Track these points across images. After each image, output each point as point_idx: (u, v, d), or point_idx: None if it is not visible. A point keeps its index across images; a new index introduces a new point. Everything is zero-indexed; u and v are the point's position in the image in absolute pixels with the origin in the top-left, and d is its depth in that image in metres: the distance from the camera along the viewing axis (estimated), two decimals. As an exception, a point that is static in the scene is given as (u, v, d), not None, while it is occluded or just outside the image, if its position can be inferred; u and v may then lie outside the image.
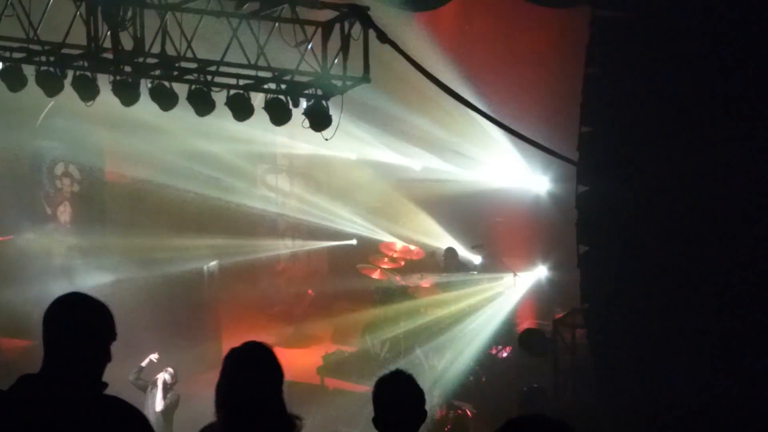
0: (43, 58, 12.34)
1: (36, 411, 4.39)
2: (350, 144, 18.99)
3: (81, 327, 4.53)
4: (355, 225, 19.40)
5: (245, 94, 11.69)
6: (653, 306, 11.55)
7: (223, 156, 19.18)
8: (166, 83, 11.96)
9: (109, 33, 11.92)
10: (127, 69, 12.10)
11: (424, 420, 5.95)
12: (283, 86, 11.56)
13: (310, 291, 19.12)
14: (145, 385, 14.60)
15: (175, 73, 12.00)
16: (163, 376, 14.50)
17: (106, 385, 4.55)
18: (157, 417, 14.19)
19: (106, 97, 12.26)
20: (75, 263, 18.21)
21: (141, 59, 12.05)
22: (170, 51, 11.82)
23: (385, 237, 18.74)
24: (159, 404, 14.35)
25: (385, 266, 17.66)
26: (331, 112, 11.44)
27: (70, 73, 12.31)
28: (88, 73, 12.23)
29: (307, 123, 11.50)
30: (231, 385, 5.09)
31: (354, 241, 19.38)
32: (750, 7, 10.93)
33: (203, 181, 19.99)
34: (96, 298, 4.64)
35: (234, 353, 5.13)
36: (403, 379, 5.96)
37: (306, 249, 20.02)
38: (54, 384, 4.44)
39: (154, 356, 14.70)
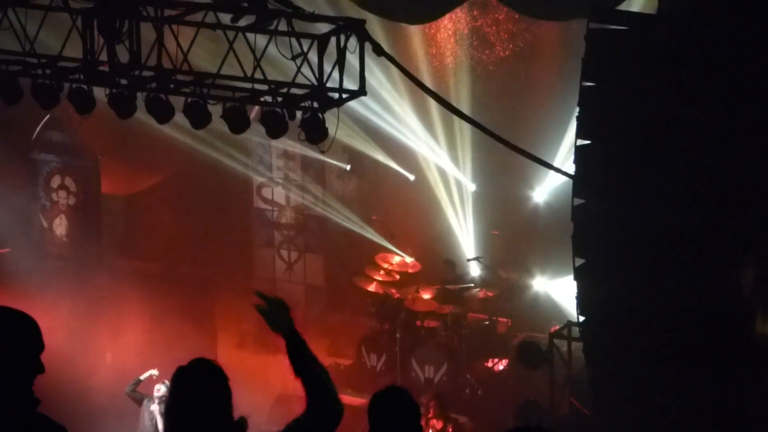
0: (39, 71, 12.34)
1: None
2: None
3: (6, 343, 4.48)
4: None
5: (241, 106, 11.70)
6: (649, 318, 11.54)
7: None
8: (162, 96, 11.97)
9: (105, 46, 11.93)
10: (123, 82, 12.10)
11: None
12: (279, 99, 11.57)
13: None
14: (141, 398, 14.58)
15: (172, 85, 12.01)
16: (162, 390, 14.43)
17: (38, 402, 4.50)
18: None
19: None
20: (70, 276, 18.19)
21: (137, 72, 12.06)
22: (166, 64, 11.83)
23: (382, 247, 18.73)
24: (161, 421, 14.29)
25: (381, 279, 17.64)
26: (328, 124, 11.47)
27: (66, 86, 12.31)
28: (84, 86, 12.24)
29: (303, 135, 11.52)
30: (178, 403, 5.10)
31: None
32: (745, 20, 10.94)
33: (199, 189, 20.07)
34: (17, 309, 4.57)
35: (180, 371, 5.13)
36: (399, 394, 5.96)
37: (302, 262, 20.00)
38: None
39: (154, 372, 14.66)
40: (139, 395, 14.59)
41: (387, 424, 5.89)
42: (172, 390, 5.09)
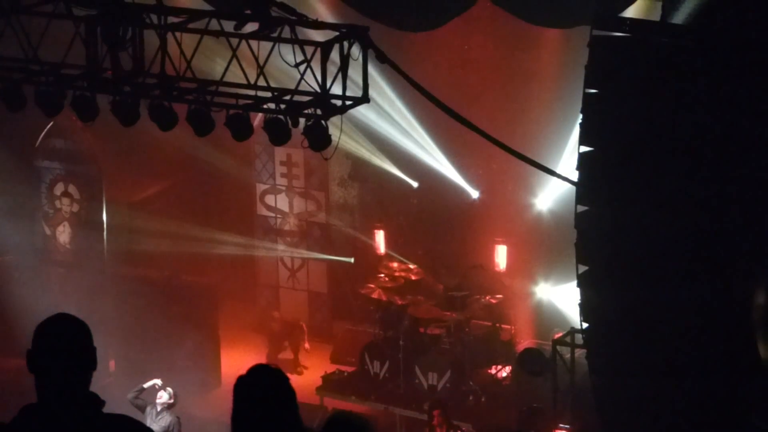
0: (43, 79, 12.36)
1: None
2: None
3: (73, 351, 4.50)
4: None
5: (244, 113, 11.72)
6: (652, 325, 11.53)
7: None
8: (166, 103, 11.98)
9: (108, 53, 11.95)
10: (127, 89, 12.12)
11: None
12: (283, 106, 11.58)
13: (303, 324, 18.97)
14: (144, 405, 14.57)
15: (175, 93, 12.03)
16: (163, 396, 14.46)
17: (103, 402, 4.53)
18: None
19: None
20: (74, 284, 18.20)
21: (140, 79, 12.07)
22: (170, 71, 11.85)
23: (385, 254, 18.72)
24: (161, 428, 14.30)
25: (385, 286, 17.63)
26: (331, 131, 11.48)
27: (69, 94, 12.33)
28: (88, 93, 12.25)
29: (306, 142, 11.53)
30: (244, 415, 5.02)
31: (352, 260, 19.37)
32: (748, 26, 10.95)
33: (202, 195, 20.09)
34: (75, 316, 4.60)
35: (241, 381, 5.04)
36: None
37: (305, 269, 20.00)
38: (58, 412, 4.41)
39: (157, 381, 14.63)
40: (141, 402, 14.59)
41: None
42: (239, 401, 5.01)
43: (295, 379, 17.37)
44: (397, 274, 17.95)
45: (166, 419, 14.37)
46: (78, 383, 4.48)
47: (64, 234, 18.73)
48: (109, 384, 16.16)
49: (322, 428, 5.50)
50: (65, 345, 4.48)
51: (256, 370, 5.04)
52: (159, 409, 14.42)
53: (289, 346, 18.66)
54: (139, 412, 14.50)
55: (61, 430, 4.40)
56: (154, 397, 14.55)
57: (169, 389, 14.54)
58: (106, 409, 4.56)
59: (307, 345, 18.68)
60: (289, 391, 5.00)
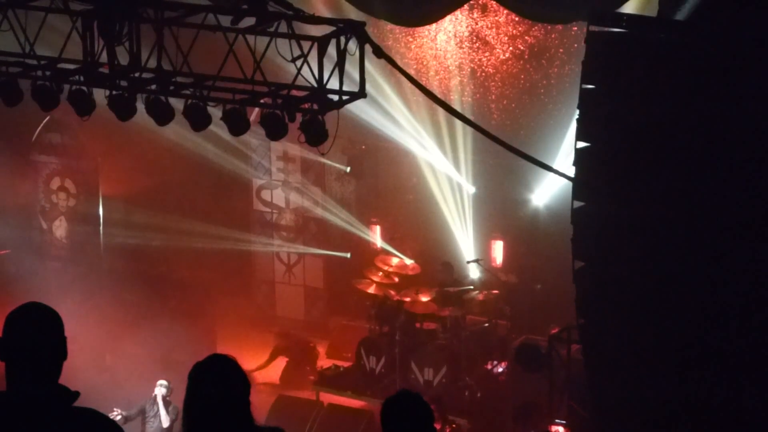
0: (39, 73, 12.34)
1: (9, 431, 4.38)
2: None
3: (44, 340, 4.50)
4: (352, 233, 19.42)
5: (241, 108, 11.71)
6: (648, 321, 11.55)
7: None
8: (162, 98, 11.97)
9: (105, 47, 11.94)
10: (123, 84, 12.11)
11: None
12: (279, 101, 11.57)
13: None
14: (141, 409, 14.43)
15: (172, 87, 12.02)
16: (159, 392, 14.41)
17: (76, 395, 4.52)
18: None
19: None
20: (70, 278, 18.20)
21: (137, 74, 12.07)
22: (166, 66, 11.84)
23: (381, 250, 18.73)
24: (165, 420, 14.26)
25: (381, 281, 17.64)
26: (327, 126, 11.48)
27: (66, 88, 12.32)
28: (84, 88, 12.25)
29: (303, 137, 11.52)
30: (194, 400, 5.10)
31: (348, 255, 19.38)
32: (745, 22, 10.95)
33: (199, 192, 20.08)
34: (47, 306, 4.60)
35: (197, 366, 5.14)
36: (412, 399, 5.98)
37: (301, 264, 20.00)
38: (26, 401, 4.41)
39: (116, 410, 14.13)
40: (135, 413, 14.46)
41: (402, 429, 5.91)
42: (190, 386, 5.09)
43: (291, 374, 17.19)
44: (393, 269, 17.96)
45: (174, 408, 14.28)
46: (48, 373, 4.47)
47: (60, 228, 18.74)
48: (105, 378, 16.17)
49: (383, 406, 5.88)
50: (36, 334, 4.47)
51: (212, 358, 5.13)
52: (161, 405, 14.31)
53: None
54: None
55: (26, 421, 4.39)
56: (153, 394, 14.42)
57: (164, 382, 14.48)
58: (102, 402, 4.56)
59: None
60: (243, 382, 5.08)
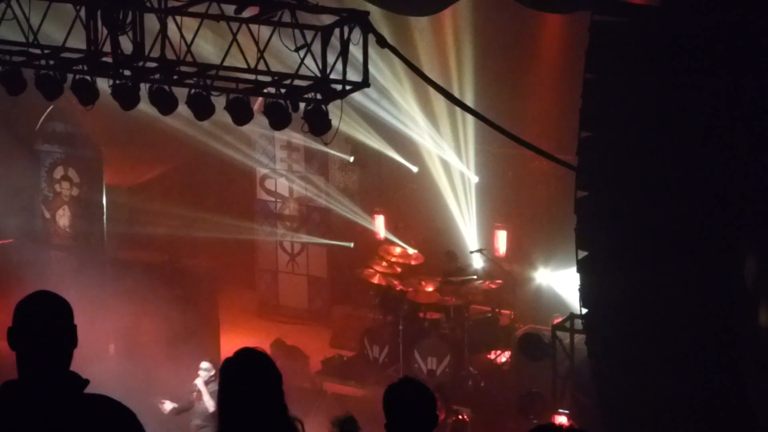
0: (43, 62, 12.35)
1: (23, 419, 4.38)
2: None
3: (54, 329, 4.50)
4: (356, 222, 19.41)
5: (245, 98, 11.71)
6: (651, 311, 11.55)
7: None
8: (166, 87, 11.98)
9: (108, 36, 11.94)
10: (127, 73, 12.12)
11: (437, 424, 5.99)
12: (283, 90, 11.57)
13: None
14: (188, 403, 14.40)
15: (175, 77, 12.02)
16: (202, 377, 14.15)
17: (87, 382, 4.52)
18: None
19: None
20: (74, 267, 18.20)
21: (141, 63, 12.07)
22: (170, 55, 11.84)
23: (385, 239, 18.73)
24: (210, 405, 14.00)
25: (384, 270, 17.64)
26: (331, 116, 11.48)
27: (69, 77, 12.33)
28: (88, 77, 12.25)
29: (306, 127, 11.53)
30: (230, 396, 5.09)
31: (351, 244, 19.39)
32: (748, 14, 10.94)
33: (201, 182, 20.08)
34: (57, 294, 4.59)
35: (228, 363, 5.13)
36: (414, 385, 5.99)
37: (305, 253, 20.00)
38: (39, 388, 4.42)
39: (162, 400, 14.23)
40: (187, 403, 14.32)
41: (405, 415, 5.91)
42: (223, 381, 5.09)
43: (295, 363, 17.16)
44: (396, 258, 17.97)
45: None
46: (58, 361, 4.48)
47: (63, 218, 18.73)
48: (109, 367, 16.18)
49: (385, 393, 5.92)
50: (46, 322, 4.47)
51: (242, 353, 5.13)
52: (205, 390, 14.04)
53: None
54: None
55: (40, 408, 4.40)
56: (193, 383, 14.39)
57: (204, 363, 14.18)
58: (107, 392, 4.57)
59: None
60: (275, 374, 5.09)
